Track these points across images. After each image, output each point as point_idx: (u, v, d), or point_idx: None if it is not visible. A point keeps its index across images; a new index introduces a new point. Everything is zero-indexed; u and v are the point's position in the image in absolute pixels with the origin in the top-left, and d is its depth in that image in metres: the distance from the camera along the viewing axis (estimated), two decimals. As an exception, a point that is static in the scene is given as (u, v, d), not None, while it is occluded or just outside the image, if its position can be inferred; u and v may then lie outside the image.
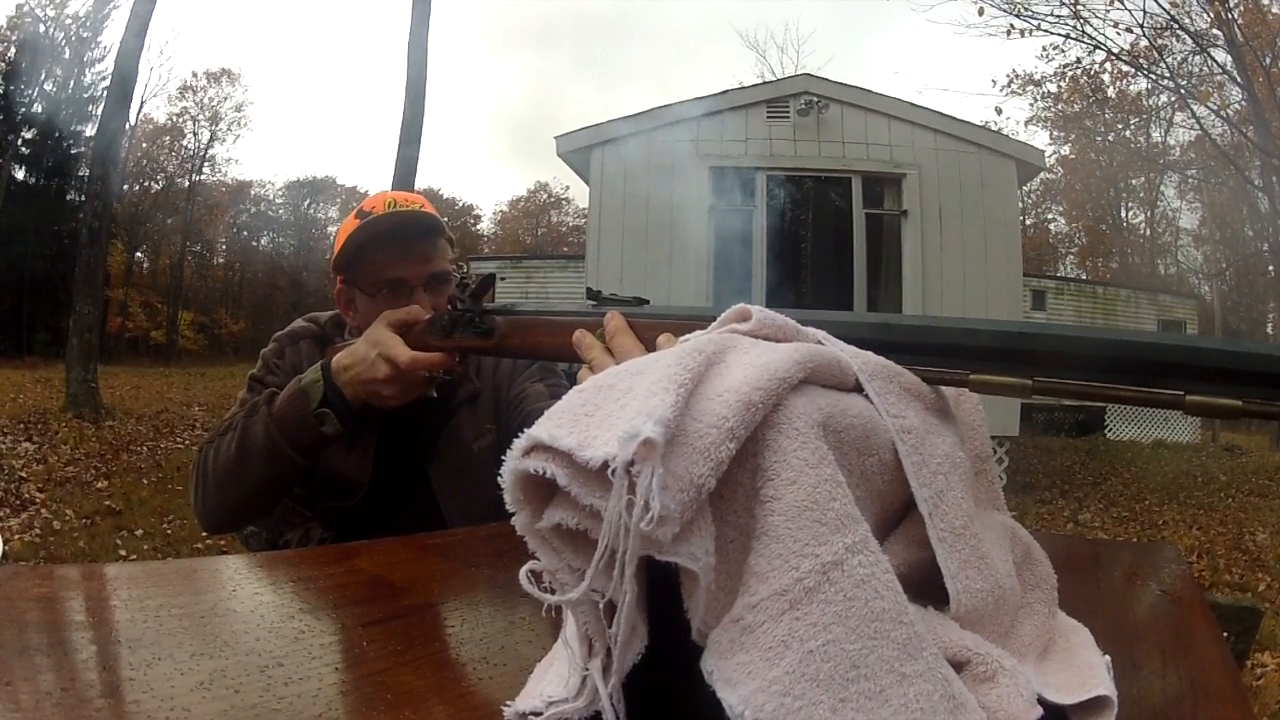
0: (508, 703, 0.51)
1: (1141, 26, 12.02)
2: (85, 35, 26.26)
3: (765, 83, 11.05)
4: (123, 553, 4.65)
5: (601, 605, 0.43)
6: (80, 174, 25.60)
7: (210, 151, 32.81)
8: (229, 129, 33.32)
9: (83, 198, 16.60)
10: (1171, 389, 0.51)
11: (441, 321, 1.09)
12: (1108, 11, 12.07)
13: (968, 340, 0.57)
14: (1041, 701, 0.50)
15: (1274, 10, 11.97)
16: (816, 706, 0.40)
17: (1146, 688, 0.64)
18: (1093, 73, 16.35)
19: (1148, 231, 31.72)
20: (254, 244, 37.23)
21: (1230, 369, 0.49)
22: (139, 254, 32.46)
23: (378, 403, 1.14)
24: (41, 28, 25.89)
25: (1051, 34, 12.52)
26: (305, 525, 1.32)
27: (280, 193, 36.89)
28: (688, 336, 0.53)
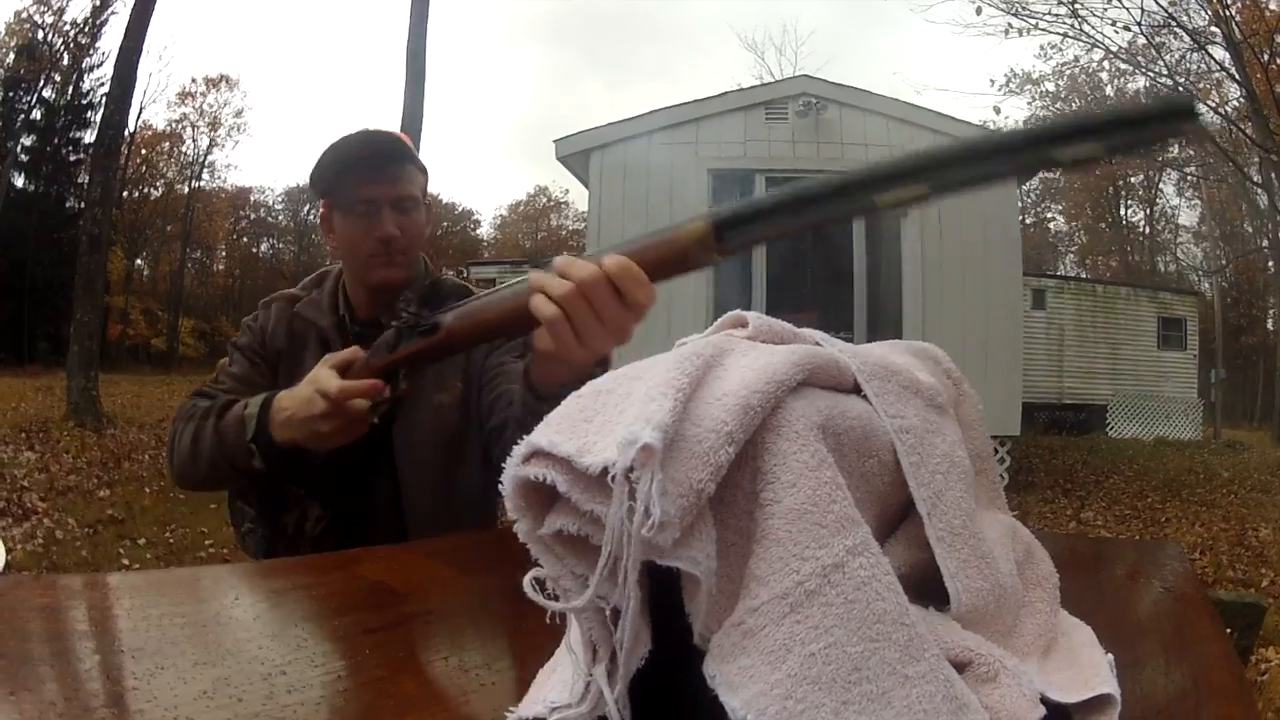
0: (511, 709, 0.51)
1: (1139, 24, 12.02)
2: (84, 42, 26.31)
3: (764, 84, 11.05)
4: (125, 562, 4.65)
5: (606, 611, 0.43)
6: (80, 181, 25.65)
7: (210, 158, 32.91)
8: (228, 135, 33.44)
9: (82, 204, 16.62)
10: (1045, 161, 0.60)
11: (387, 340, 1.09)
12: (1105, 10, 12.07)
13: (870, 173, 0.66)
14: (1044, 701, 0.50)
15: (1271, 7, 11.97)
16: (819, 709, 0.40)
17: (1150, 685, 0.64)
18: (1091, 71, 16.37)
19: (1147, 229, 31.75)
20: (254, 250, 37.30)
21: (1088, 126, 0.58)
22: (139, 261, 32.51)
23: (316, 443, 1.11)
24: (40, 34, 25.91)
25: (1049, 33, 12.52)
26: (302, 505, 1.31)
27: (280, 198, 36.98)
28: (684, 340, 0.54)
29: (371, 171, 1.28)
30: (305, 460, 1.16)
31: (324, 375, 1.09)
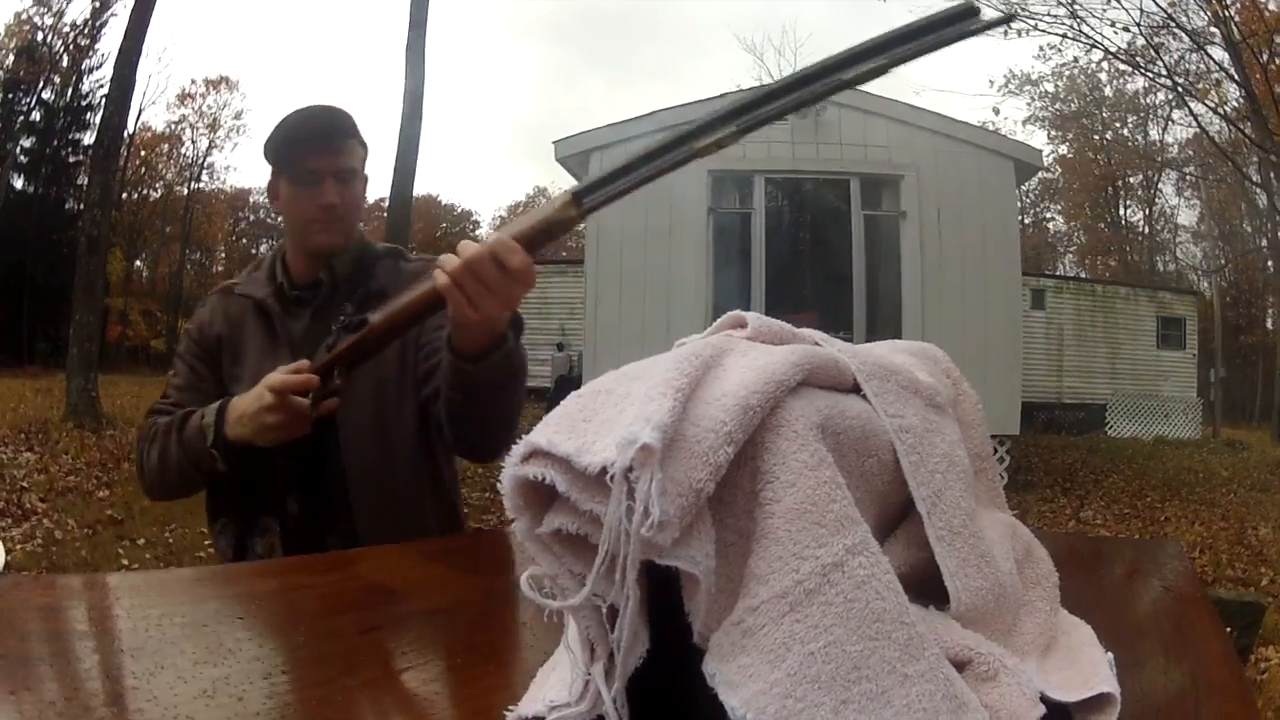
0: (510, 707, 0.51)
1: (1138, 25, 12.01)
2: (83, 43, 26.31)
3: (763, 85, 11.05)
4: (125, 562, 4.65)
5: (604, 610, 0.43)
6: (79, 182, 25.65)
7: (209, 159, 32.87)
8: (228, 136, 33.37)
9: (81, 206, 16.60)
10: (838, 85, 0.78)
11: (327, 343, 1.20)
12: (1104, 10, 12.06)
13: (687, 127, 0.84)
14: (1044, 699, 0.50)
15: (1270, 7, 11.97)
16: (818, 708, 0.40)
17: (1149, 684, 0.64)
18: (1090, 71, 16.38)
19: (1146, 229, 31.76)
20: (253, 251, 37.25)
21: (874, 46, 0.75)
22: (138, 262, 32.50)
23: (265, 439, 1.21)
24: (40, 36, 25.92)
25: (1049, 33, 12.50)
26: (256, 514, 1.37)
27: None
28: (683, 341, 0.54)
29: (317, 144, 1.39)
30: (264, 459, 1.26)
31: (271, 375, 1.19)
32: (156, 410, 1.42)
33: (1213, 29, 12.07)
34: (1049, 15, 12.00)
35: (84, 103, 27.14)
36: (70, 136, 27.39)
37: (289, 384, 1.17)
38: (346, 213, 1.41)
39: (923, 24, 0.75)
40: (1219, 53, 12.32)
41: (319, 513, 1.36)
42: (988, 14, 0.79)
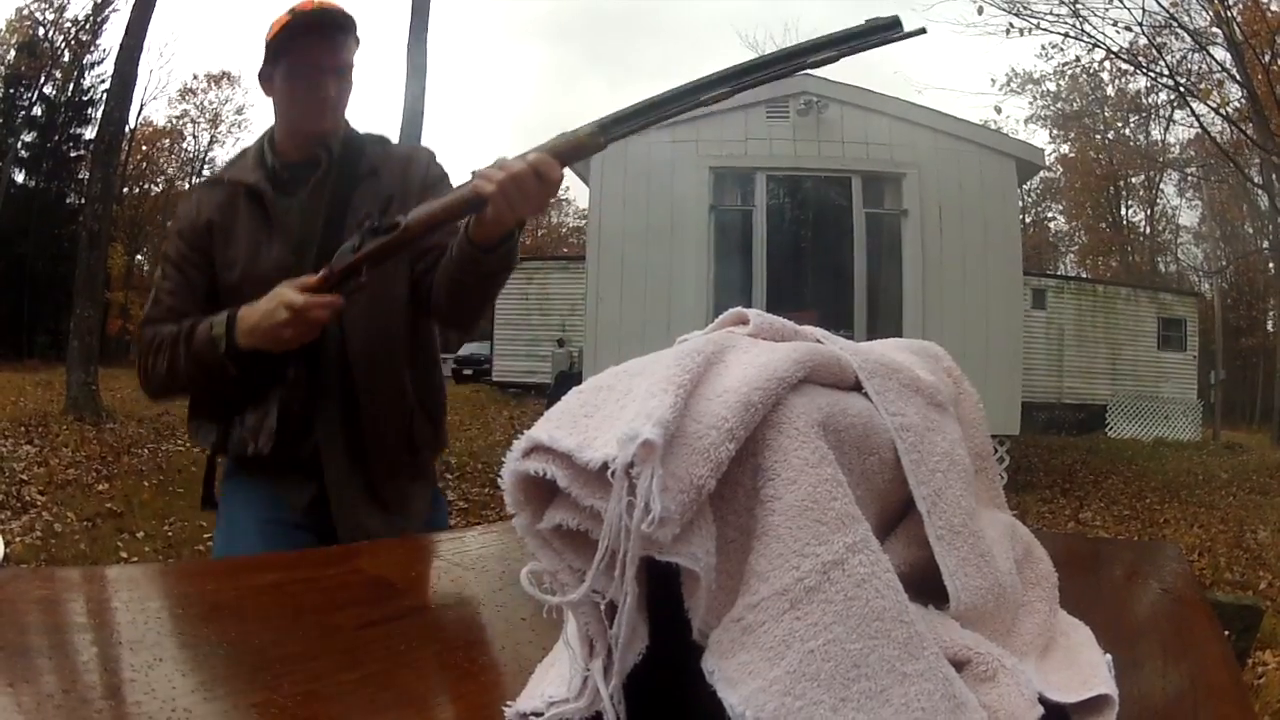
0: (509, 703, 0.51)
1: (1140, 25, 12.01)
2: (85, 38, 26.28)
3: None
4: (124, 555, 4.65)
5: (603, 606, 0.43)
6: (80, 177, 25.63)
7: (210, 154, 32.76)
8: (229, 132, 33.29)
9: (83, 201, 16.61)
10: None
11: (349, 246, 1.28)
12: (1107, 10, 12.05)
13: (693, 84, 1.18)
14: (1042, 700, 0.50)
15: (1273, 8, 11.95)
16: (818, 706, 0.40)
17: (1148, 686, 0.64)
18: (1092, 71, 16.37)
19: (1147, 229, 31.75)
20: (254, 246, 37.14)
21: (801, 50, 1.19)
22: (139, 257, 32.44)
23: (277, 346, 1.31)
24: (41, 31, 25.90)
25: (1050, 32, 12.49)
26: (264, 406, 1.44)
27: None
28: (685, 337, 0.54)
29: (320, 40, 1.46)
30: (272, 357, 1.36)
31: (286, 291, 1.29)
32: (153, 319, 1.46)
33: (1215, 29, 12.07)
34: (1051, 14, 12.00)
35: (85, 98, 27.13)
36: (71, 131, 27.38)
37: (313, 303, 1.27)
38: (339, 102, 1.50)
39: (857, 29, 1.09)
40: (1221, 53, 12.33)
41: (317, 380, 1.45)
42: (909, 26, 1.16)
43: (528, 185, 1.21)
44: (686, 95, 1.16)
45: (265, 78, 1.51)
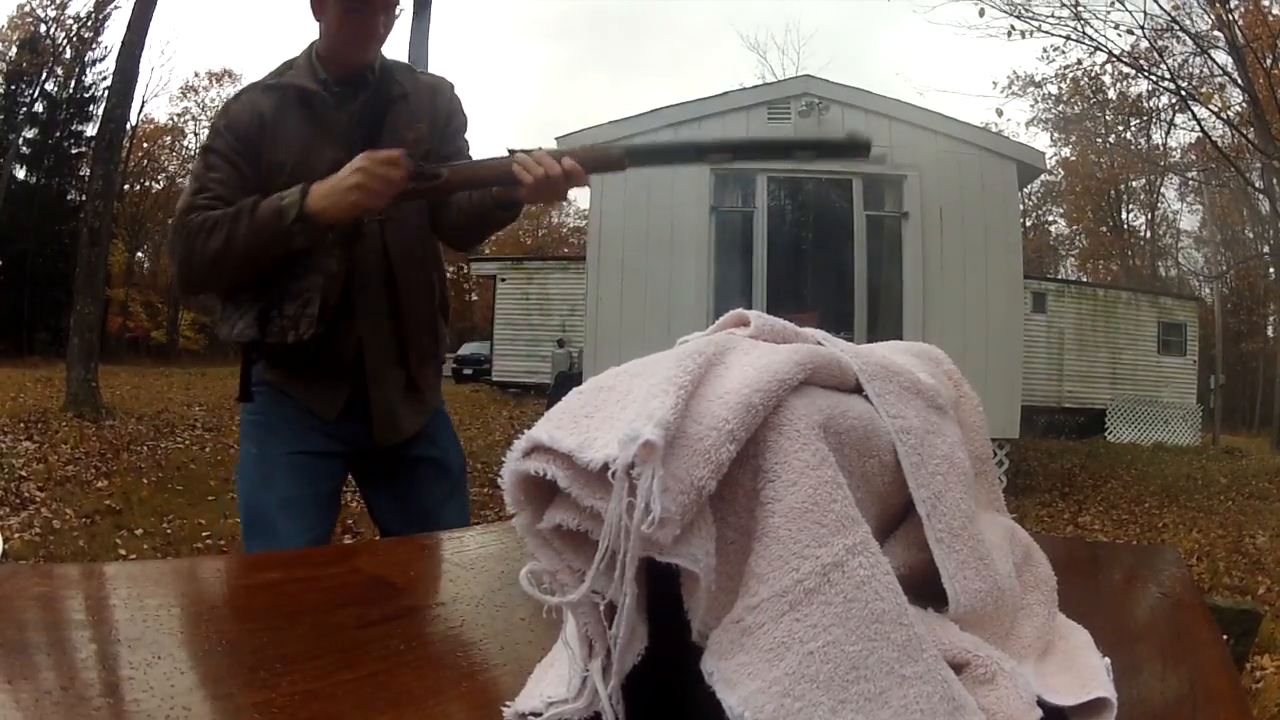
0: (508, 703, 0.51)
1: (1142, 28, 12.00)
2: (86, 35, 26.28)
3: (766, 84, 11.04)
4: (122, 552, 4.64)
5: (602, 606, 0.43)
6: (81, 174, 25.63)
7: (211, 152, 32.73)
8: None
9: (84, 197, 16.58)
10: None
11: (408, 168, 1.46)
12: (1108, 13, 12.05)
13: (704, 142, 1.63)
14: (1041, 703, 0.50)
15: (1275, 12, 11.95)
16: (816, 708, 0.40)
17: (1146, 690, 0.64)
18: (1093, 74, 16.35)
19: (1148, 233, 31.74)
20: (255, 244, 37.13)
21: (787, 144, 2.14)
22: (140, 254, 32.47)
23: (346, 208, 1.45)
24: (43, 28, 25.90)
25: (1052, 35, 12.49)
26: (304, 294, 1.54)
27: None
28: (686, 338, 0.53)
29: None
30: (323, 239, 1.50)
31: (359, 158, 1.44)
32: (199, 206, 1.52)
33: (1216, 33, 12.06)
34: (1053, 17, 12.00)
35: (87, 94, 27.13)
36: (73, 128, 27.39)
37: (383, 157, 1.44)
38: (384, 38, 1.65)
39: (818, 139, 1.72)
40: (1222, 57, 12.32)
41: (356, 276, 1.59)
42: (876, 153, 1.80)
43: (557, 186, 1.43)
44: (698, 150, 1.49)
45: (318, 6, 1.62)
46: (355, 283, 1.59)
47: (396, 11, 1.66)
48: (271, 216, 1.46)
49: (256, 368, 1.64)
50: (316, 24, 1.65)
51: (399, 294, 1.64)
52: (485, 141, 1.99)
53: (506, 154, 1.47)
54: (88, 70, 26.98)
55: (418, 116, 1.69)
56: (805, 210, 9.22)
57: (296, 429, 1.63)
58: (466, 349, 22.79)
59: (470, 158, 1.71)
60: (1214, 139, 13.91)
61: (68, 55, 26.51)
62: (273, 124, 1.59)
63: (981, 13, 12.20)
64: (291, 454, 1.62)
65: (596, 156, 1.46)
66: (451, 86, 1.78)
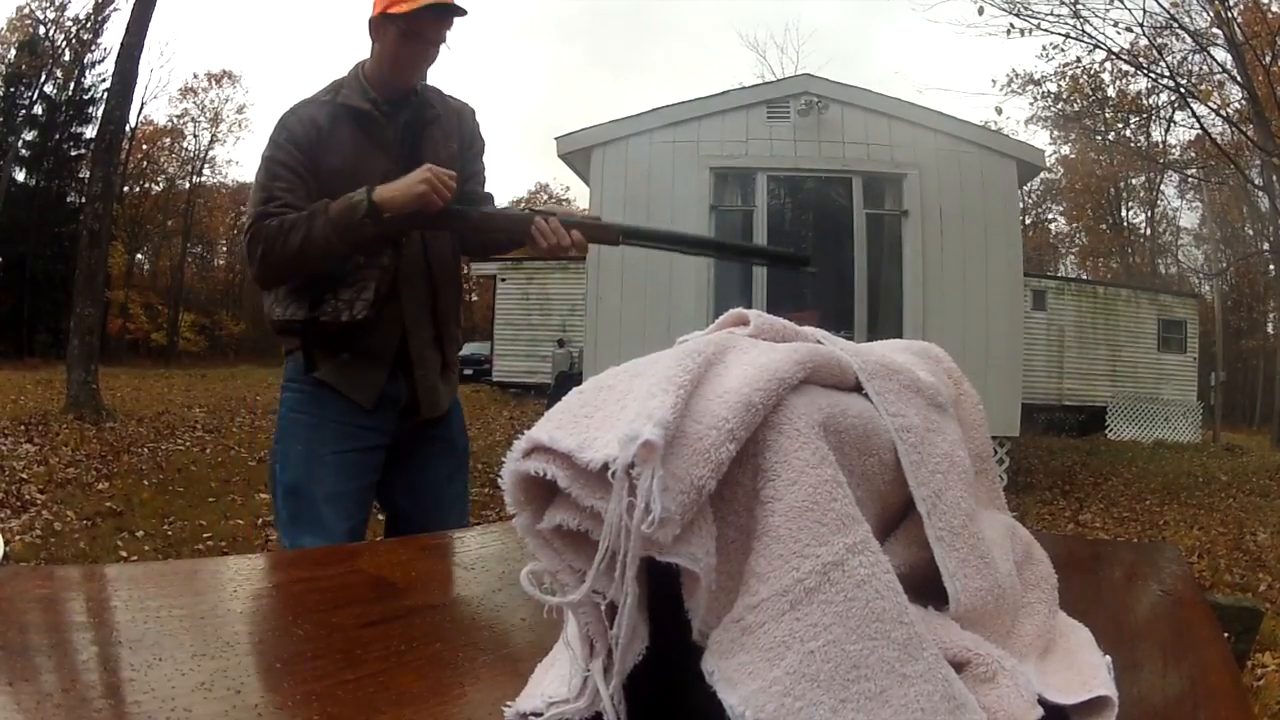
0: (508, 703, 0.51)
1: (1141, 25, 12.00)
2: (86, 37, 26.27)
3: (765, 83, 11.04)
4: (123, 554, 4.64)
5: (603, 606, 0.43)
6: (81, 176, 25.65)
7: (211, 153, 32.84)
8: (230, 131, 33.36)
9: (83, 199, 16.60)
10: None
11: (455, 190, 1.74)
12: (1107, 11, 12.05)
13: (693, 236, 2.32)
14: (1042, 702, 0.50)
15: (1273, 9, 11.95)
16: (817, 707, 0.40)
17: (1147, 688, 0.64)
18: (1093, 72, 16.35)
19: (1148, 231, 31.74)
20: (255, 245, 37.09)
21: (737, 249, 3.16)
22: (140, 255, 32.50)
23: (410, 201, 1.69)
24: (42, 30, 25.90)
25: (1051, 33, 12.49)
26: (361, 283, 1.77)
27: (281, 194, 36.78)
28: (685, 337, 0.53)
29: (441, 21, 1.83)
30: (386, 233, 1.74)
31: (424, 168, 1.69)
32: (271, 213, 1.74)
33: (1215, 30, 12.06)
34: (1052, 15, 11.99)
35: (86, 96, 27.14)
36: (72, 130, 27.40)
37: (441, 173, 1.69)
38: (430, 65, 1.89)
39: (775, 250, 3.52)
40: (1222, 54, 12.32)
41: (401, 272, 1.82)
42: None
43: (563, 247, 1.75)
44: (680, 240, 2.02)
45: (379, 26, 1.82)
46: (401, 276, 1.82)
47: (447, 45, 1.87)
48: (345, 212, 1.68)
49: (297, 366, 1.86)
50: (371, 45, 1.87)
51: (436, 288, 1.90)
52: (487, 142, 2.10)
53: (527, 210, 1.78)
54: (87, 72, 27.02)
55: (449, 136, 1.95)
56: (805, 209, 9.23)
57: (342, 428, 1.84)
58: (467, 349, 22.73)
59: (485, 178, 2.05)
60: (1213, 136, 13.91)
61: (67, 57, 26.54)
62: (328, 135, 1.80)
63: (981, 11, 12.21)
64: (338, 453, 1.83)
65: (595, 228, 1.78)
66: (474, 112, 2.04)
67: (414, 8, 1.78)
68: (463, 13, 1.85)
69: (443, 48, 1.87)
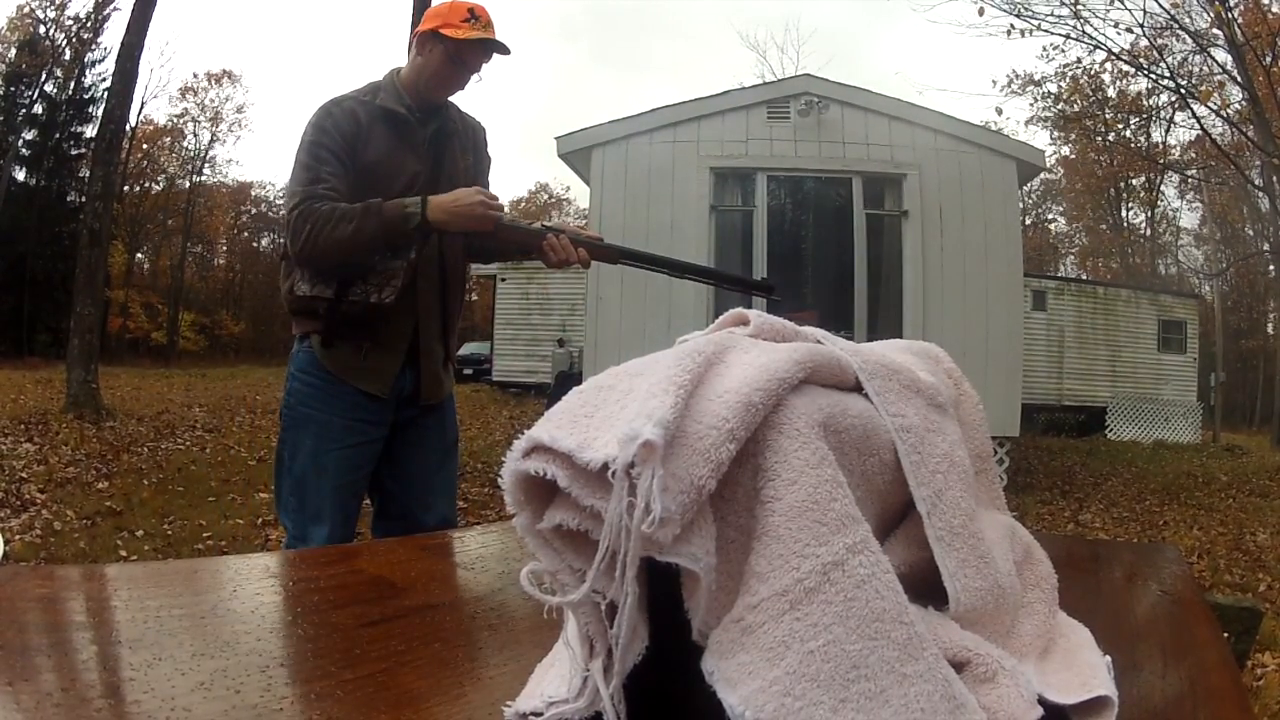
0: (508, 703, 0.51)
1: (1141, 26, 12.00)
2: (86, 37, 26.27)
3: (766, 83, 11.03)
4: (123, 553, 4.64)
5: (603, 606, 0.43)
6: (81, 175, 25.65)
7: (211, 153, 32.85)
8: (230, 130, 33.40)
9: (83, 199, 16.60)
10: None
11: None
12: (1108, 11, 12.06)
13: (676, 260, 2.09)
14: (1042, 701, 0.50)
15: (1274, 10, 11.95)
16: (817, 707, 0.40)
17: (1147, 688, 0.64)
18: (1093, 72, 16.35)
19: (1148, 231, 31.73)
20: (255, 245, 37.26)
21: (707, 273, 2.73)
22: (140, 255, 32.50)
23: (460, 224, 1.89)
24: (42, 29, 25.91)
25: (1052, 34, 12.48)
26: (385, 275, 1.91)
27: (281, 193, 36.85)
28: (686, 337, 0.53)
29: (488, 51, 2.00)
30: (426, 240, 1.94)
31: (475, 191, 1.89)
32: (320, 195, 1.87)
33: (1216, 31, 12.06)
34: (1052, 15, 11.99)
35: (86, 96, 27.14)
36: (72, 129, 27.40)
37: (491, 200, 1.88)
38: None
39: (739, 276, 2.57)
40: (1222, 55, 12.31)
41: (419, 269, 1.96)
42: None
43: (569, 260, 1.90)
44: (670, 264, 2.05)
45: (426, 41, 1.99)
46: (419, 271, 1.97)
47: (479, 76, 2.04)
48: (398, 219, 1.85)
49: (309, 356, 1.97)
50: (413, 56, 2.03)
51: (447, 285, 2.08)
52: (491, 141, 2.28)
53: (541, 226, 1.93)
54: (87, 71, 27.01)
55: (466, 150, 2.13)
56: (805, 209, 9.21)
57: (350, 422, 1.97)
58: (467, 349, 22.74)
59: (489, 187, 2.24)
60: (1213, 137, 13.91)
61: (67, 56, 26.53)
62: (366, 131, 1.94)
63: (981, 12, 12.21)
64: (345, 447, 1.97)
65: (597, 246, 1.95)
66: (485, 130, 2.22)
67: (468, 37, 1.95)
68: (507, 52, 2.02)
69: (475, 76, 2.04)
